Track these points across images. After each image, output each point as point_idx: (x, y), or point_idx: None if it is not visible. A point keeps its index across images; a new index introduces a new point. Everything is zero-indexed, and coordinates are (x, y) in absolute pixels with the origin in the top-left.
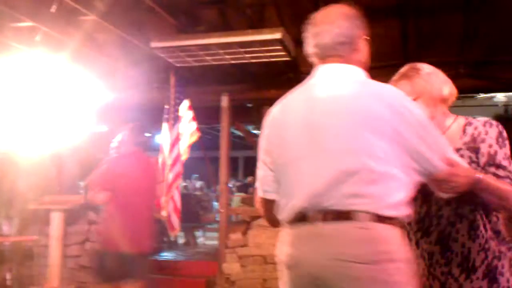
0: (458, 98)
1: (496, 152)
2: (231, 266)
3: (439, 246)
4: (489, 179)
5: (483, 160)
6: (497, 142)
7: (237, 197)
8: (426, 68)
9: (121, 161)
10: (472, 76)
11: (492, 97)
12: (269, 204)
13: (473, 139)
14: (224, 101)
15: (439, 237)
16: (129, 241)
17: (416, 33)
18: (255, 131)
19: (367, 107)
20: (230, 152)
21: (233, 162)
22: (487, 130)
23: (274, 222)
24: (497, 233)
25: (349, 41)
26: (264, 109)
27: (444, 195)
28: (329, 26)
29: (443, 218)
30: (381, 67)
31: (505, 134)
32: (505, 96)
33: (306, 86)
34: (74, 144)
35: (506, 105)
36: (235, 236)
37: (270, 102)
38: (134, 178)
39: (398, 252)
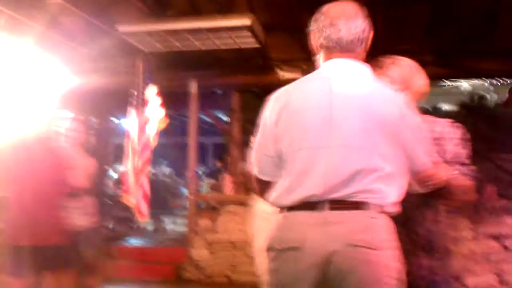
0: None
1: (459, 151)
2: (200, 252)
3: (405, 229)
4: (460, 177)
5: (448, 156)
6: (461, 141)
7: (206, 183)
8: (409, 61)
9: (21, 150)
10: (439, 65)
11: (458, 86)
12: (263, 185)
13: (442, 137)
14: (193, 87)
15: (405, 220)
16: (33, 232)
17: (384, 21)
18: (224, 117)
19: (381, 109)
20: (199, 138)
21: (202, 149)
22: (453, 130)
23: (264, 196)
24: (451, 219)
25: (365, 39)
26: (233, 95)
27: (423, 190)
28: (349, 21)
29: (410, 203)
30: None
31: (467, 135)
32: (471, 84)
33: (321, 78)
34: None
35: (471, 93)
36: (204, 222)
37: (239, 88)
38: (35, 167)
39: (395, 241)
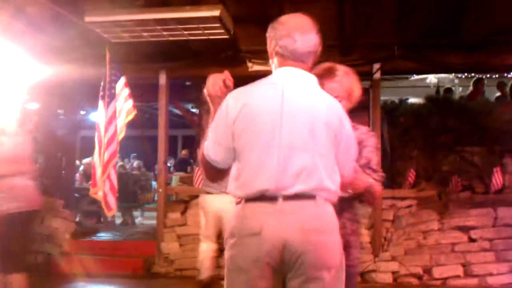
0: (392, 79)
1: (372, 159)
2: (169, 246)
3: None
4: (375, 184)
5: (362, 162)
6: (375, 150)
7: (176, 176)
8: (345, 69)
9: None
10: (406, 58)
11: (424, 79)
12: (217, 172)
13: (360, 143)
14: (162, 79)
15: None
16: None
17: (353, 15)
18: (194, 110)
19: (325, 115)
20: (168, 131)
21: (172, 141)
22: (370, 138)
23: (214, 181)
24: (353, 215)
25: (316, 52)
26: (203, 87)
27: (343, 194)
28: (304, 34)
29: None
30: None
31: (379, 145)
32: (437, 78)
33: (274, 84)
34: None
35: (437, 87)
36: (174, 216)
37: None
38: None
39: (337, 225)
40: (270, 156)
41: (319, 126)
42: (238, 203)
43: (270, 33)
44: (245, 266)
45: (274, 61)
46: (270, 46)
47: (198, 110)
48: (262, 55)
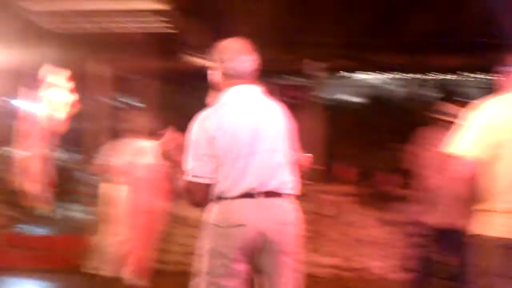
0: (334, 78)
1: None
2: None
3: None
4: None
5: None
6: None
7: None
8: None
9: None
10: (347, 57)
11: (364, 78)
12: (204, 188)
13: None
14: (104, 71)
15: None
16: None
17: (295, 14)
18: (136, 103)
19: (281, 120)
20: (110, 124)
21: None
22: None
23: (200, 203)
24: None
25: (258, 68)
26: (147, 81)
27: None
28: (249, 56)
29: None
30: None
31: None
32: (377, 77)
33: (237, 101)
34: None
35: (377, 86)
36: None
37: (154, 74)
38: None
39: (299, 218)
40: (252, 161)
41: (280, 129)
42: (221, 200)
43: (216, 56)
44: (229, 253)
45: (223, 81)
46: (218, 67)
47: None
48: (205, 50)
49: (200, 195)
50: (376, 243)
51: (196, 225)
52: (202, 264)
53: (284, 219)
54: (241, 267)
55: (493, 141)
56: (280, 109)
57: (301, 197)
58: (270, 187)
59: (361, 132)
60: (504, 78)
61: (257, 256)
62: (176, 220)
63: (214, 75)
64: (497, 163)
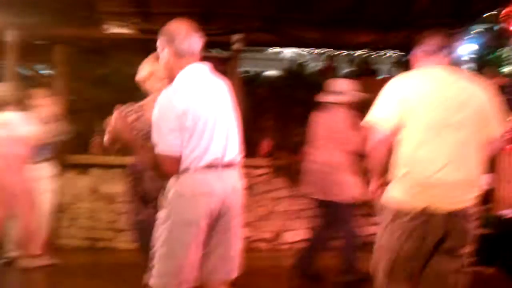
0: (250, 51)
1: None
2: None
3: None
4: None
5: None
6: None
7: None
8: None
9: None
10: (265, 31)
11: (280, 52)
12: (174, 160)
13: None
14: (11, 36)
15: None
16: None
17: None
18: (44, 71)
19: (228, 95)
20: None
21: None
22: None
23: (169, 175)
24: None
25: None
26: (56, 47)
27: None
28: (196, 35)
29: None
30: (178, 13)
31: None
32: (292, 52)
33: (200, 79)
34: None
35: (292, 61)
36: None
37: (63, 40)
38: None
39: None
40: (215, 136)
41: (229, 104)
42: (186, 171)
43: (163, 39)
44: (195, 219)
45: (172, 59)
46: (166, 51)
47: (50, 72)
48: (121, 17)
49: (170, 167)
50: (287, 215)
51: (119, 201)
52: (167, 232)
53: (237, 187)
54: (205, 232)
55: (406, 112)
56: (225, 85)
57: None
58: (228, 158)
59: (277, 105)
60: (415, 56)
61: (215, 220)
62: (100, 197)
63: (163, 54)
64: (404, 131)
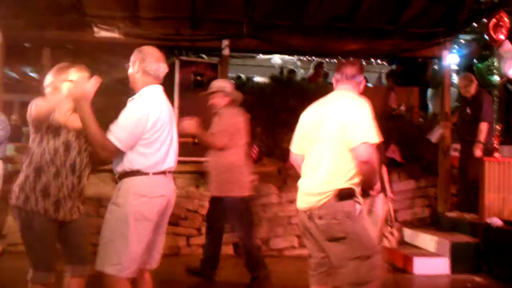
0: (240, 57)
1: None
2: (3, 218)
3: None
4: None
5: None
6: None
7: (11, 145)
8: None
9: None
10: (254, 37)
11: (269, 59)
12: (115, 150)
13: None
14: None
15: None
16: None
17: None
18: (32, 74)
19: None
20: (3, 95)
21: (7, 107)
22: None
23: (107, 161)
24: None
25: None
26: (44, 50)
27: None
28: (164, 62)
29: None
30: (167, 18)
31: None
32: (281, 59)
33: (160, 97)
34: None
35: (281, 67)
36: (8, 187)
37: (51, 43)
38: None
39: None
40: (169, 146)
41: (174, 121)
42: (142, 174)
43: (137, 56)
44: (151, 217)
45: (140, 78)
46: (137, 65)
47: (37, 75)
48: (109, 21)
49: (110, 154)
50: (276, 220)
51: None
52: (125, 227)
53: (174, 190)
54: (156, 229)
55: (301, 138)
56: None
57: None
58: (174, 167)
59: (265, 111)
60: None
61: (159, 218)
62: None
63: (133, 66)
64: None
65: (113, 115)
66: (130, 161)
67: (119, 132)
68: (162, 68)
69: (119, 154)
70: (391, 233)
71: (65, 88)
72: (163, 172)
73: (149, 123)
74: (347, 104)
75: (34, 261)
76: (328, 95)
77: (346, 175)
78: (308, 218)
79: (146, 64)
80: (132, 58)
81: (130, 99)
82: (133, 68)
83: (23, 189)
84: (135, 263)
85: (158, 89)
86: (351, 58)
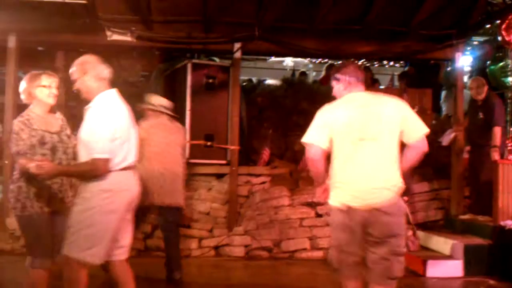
0: (251, 60)
1: None
2: (15, 221)
3: None
4: None
5: None
6: None
7: None
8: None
9: None
10: (266, 39)
11: (281, 61)
12: (109, 162)
13: None
14: (12, 42)
15: None
16: None
17: None
18: None
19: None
20: (18, 98)
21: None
22: None
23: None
24: None
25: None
26: (57, 54)
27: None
28: (108, 68)
29: None
30: (179, 22)
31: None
32: (293, 61)
33: (118, 101)
34: None
35: (293, 70)
36: None
37: (64, 47)
38: None
39: None
40: (131, 143)
41: (132, 120)
42: (111, 171)
43: (85, 66)
44: (119, 209)
45: (92, 84)
46: (89, 74)
47: None
48: (121, 25)
49: (105, 168)
50: (287, 223)
51: None
52: (93, 218)
53: (138, 183)
54: (123, 219)
55: (329, 134)
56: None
57: (218, 178)
58: (134, 162)
59: (277, 114)
60: (336, 87)
61: (124, 211)
62: None
63: (82, 79)
64: (333, 149)
65: None
66: None
67: (99, 145)
68: (109, 71)
69: (109, 163)
70: (414, 235)
71: (39, 93)
72: (126, 168)
73: (116, 125)
74: (397, 103)
75: (33, 249)
76: (360, 96)
77: (398, 172)
78: (368, 215)
79: (98, 71)
80: (78, 71)
81: (86, 107)
82: (83, 79)
83: (18, 199)
84: (101, 251)
85: (113, 92)
86: (356, 61)
